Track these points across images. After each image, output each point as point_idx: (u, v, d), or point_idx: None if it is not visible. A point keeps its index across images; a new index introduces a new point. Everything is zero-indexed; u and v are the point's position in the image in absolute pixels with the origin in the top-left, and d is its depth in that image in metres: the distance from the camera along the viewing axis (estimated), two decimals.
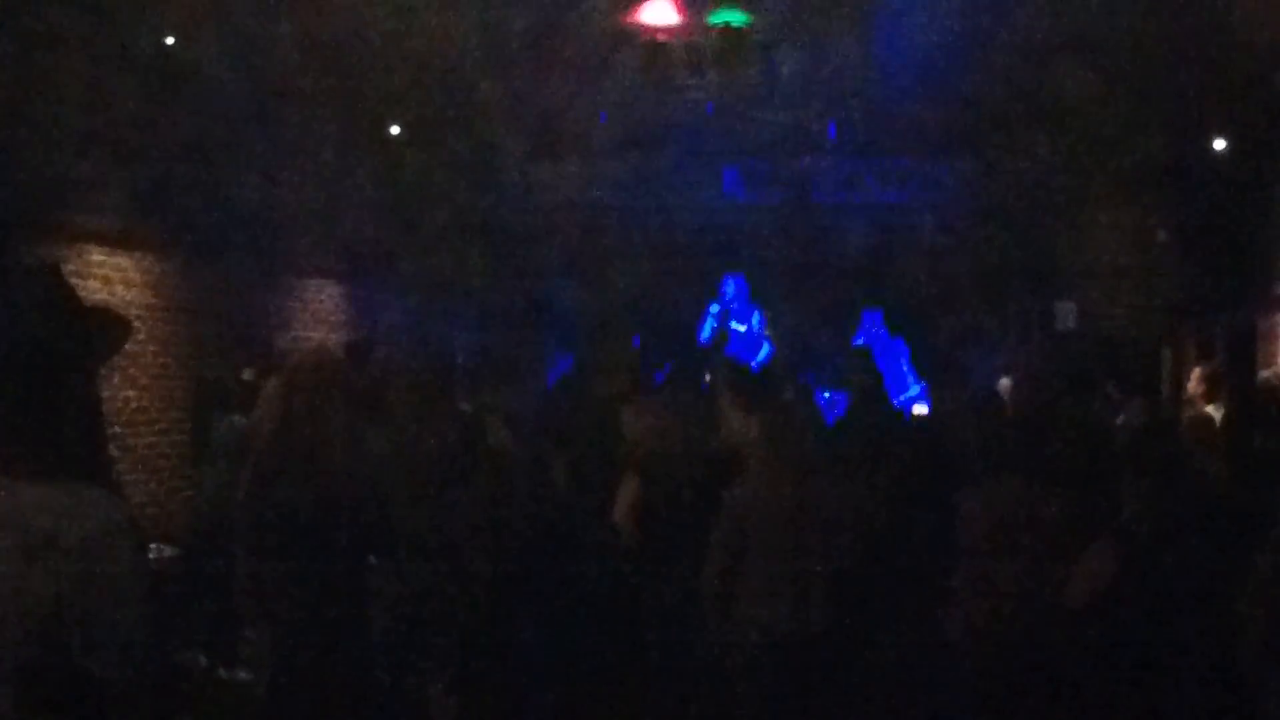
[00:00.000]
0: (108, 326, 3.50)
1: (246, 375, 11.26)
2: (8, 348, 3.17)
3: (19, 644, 2.98)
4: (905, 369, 17.11)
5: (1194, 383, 10.20)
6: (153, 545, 10.45)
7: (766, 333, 17.79)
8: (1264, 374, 11.33)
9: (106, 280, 11.99)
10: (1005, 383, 11.36)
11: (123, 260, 12.24)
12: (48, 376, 3.17)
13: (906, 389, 16.23)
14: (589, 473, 8.01)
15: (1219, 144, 13.58)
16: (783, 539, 6.96)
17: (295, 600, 5.71)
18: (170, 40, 11.32)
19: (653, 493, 7.77)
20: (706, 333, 17.76)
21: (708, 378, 12.61)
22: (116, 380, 11.91)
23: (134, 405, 12.34)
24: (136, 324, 12.29)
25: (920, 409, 15.17)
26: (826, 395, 14.14)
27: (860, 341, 17.67)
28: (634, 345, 18.12)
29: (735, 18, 12.77)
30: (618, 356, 9.18)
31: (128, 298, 12.24)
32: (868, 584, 7.17)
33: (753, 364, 14.82)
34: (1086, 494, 6.74)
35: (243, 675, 8.56)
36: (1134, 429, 8.36)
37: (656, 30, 13.14)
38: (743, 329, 17.86)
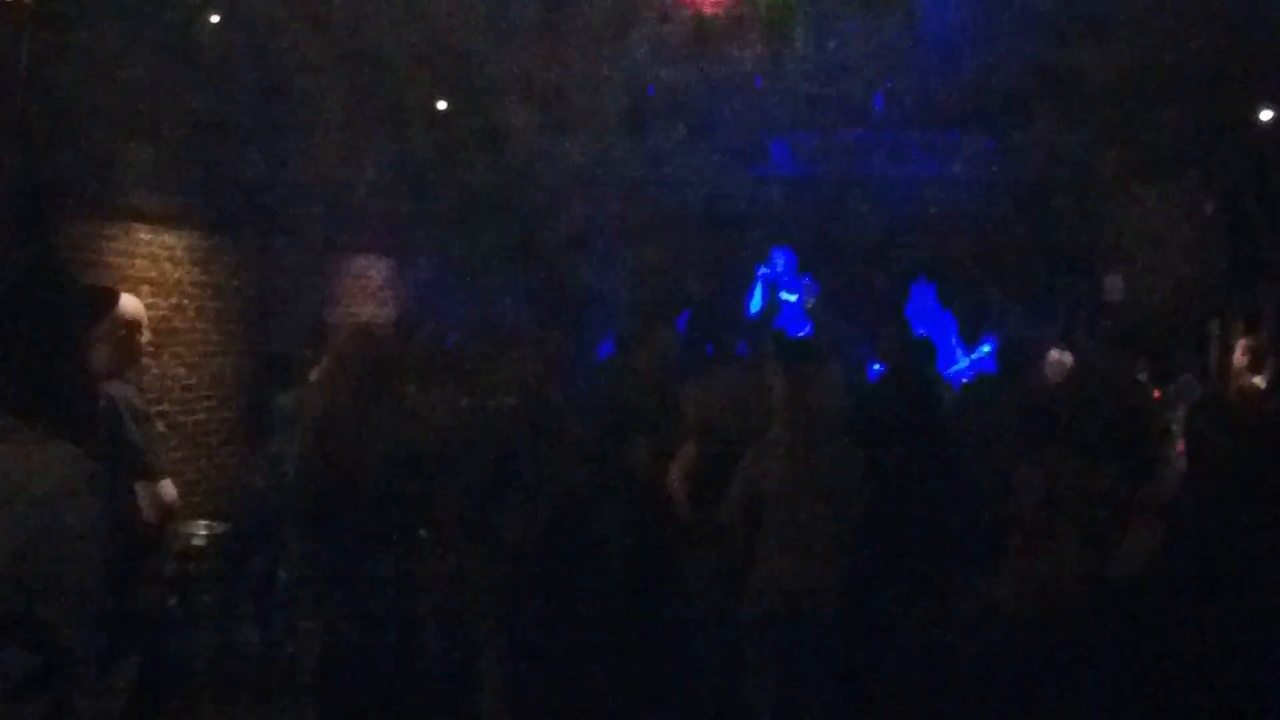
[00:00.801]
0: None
1: (307, 352, 11.32)
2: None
3: None
4: (955, 342, 17.06)
5: (1239, 354, 10.17)
6: (204, 522, 10.54)
7: (809, 307, 17.79)
8: None
9: (154, 259, 12.07)
10: (1055, 355, 11.29)
11: (169, 238, 12.32)
12: (21, 342, 3.27)
13: (955, 362, 16.17)
14: (650, 449, 8.05)
15: (1266, 114, 13.46)
16: (795, 501, 7.02)
17: (346, 577, 5.75)
18: (215, 19, 11.36)
19: (708, 465, 7.78)
20: (756, 305, 17.76)
21: (748, 347, 12.64)
22: (165, 358, 11.99)
23: (183, 383, 12.42)
24: (185, 301, 12.39)
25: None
26: (877, 368, 14.11)
27: (911, 322, 17.70)
28: (679, 321, 18.16)
29: None
30: (658, 333, 9.15)
31: (175, 276, 12.32)
32: (889, 549, 7.22)
33: (800, 336, 14.82)
34: (1136, 467, 6.71)
35: (294, 650, 8.63)
36: (1191, 402, 8.30)
37: (704, 3, 13.11)
38: (793, 298, 17.87)
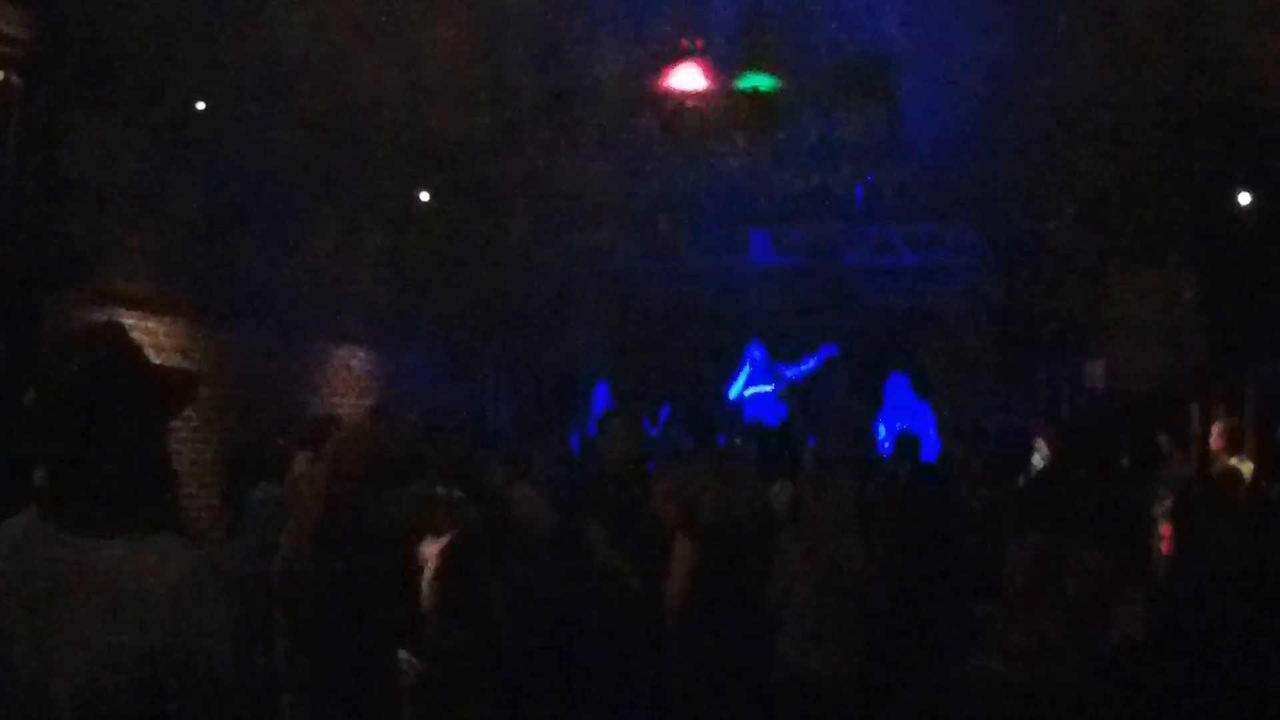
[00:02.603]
0: (174, 383, 3.55)
1: (281, 442, 11.25)
2: (80, 407, 3.18)
3: (115, 700, 3.02)
4: (932, 433, 17.14)
5: (1215, 437, 10.27)
6: None
7: (781, 396, 17.93)
8: None
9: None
10: (1040, 444, 11.37)
11: (152, 324, 12.31)
12: (120, 434, 3.19)
13: (935, 453, 16.23)
14: (625, 540, 8.02)
15: (1244, 198, 13.56)
16: (818, 595, 7.17)
17: (328, 676, 5.62)
18: (201, 106, 11.41)
19: (710, 557, 7.78)
20: (734, 394, 17.91)
21: (721, 438, 12.71)
22: None
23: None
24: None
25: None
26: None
27: (888, 412, 17.82)
28: (661, 412, 18.23)
29: (763, 83, 12.79)
30: (622, 422, 9.16)
31: (158, 362, 12.30)
32: (898, 632, 7.34)
33: (771, 425, 14.92)
34: (1122, 549, 6.74)
35: None
36: (1178, 483, 8.35)
37: (684, 95, 13.18)
38: (768, 388, 18.01)
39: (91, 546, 3.08)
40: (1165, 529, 7.41)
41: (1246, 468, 9.10)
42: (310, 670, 5.57)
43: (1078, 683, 5.59)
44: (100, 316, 11.42)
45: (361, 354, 16.73)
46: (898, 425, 17.42)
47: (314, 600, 5.54)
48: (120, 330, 3.45)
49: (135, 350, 3.37)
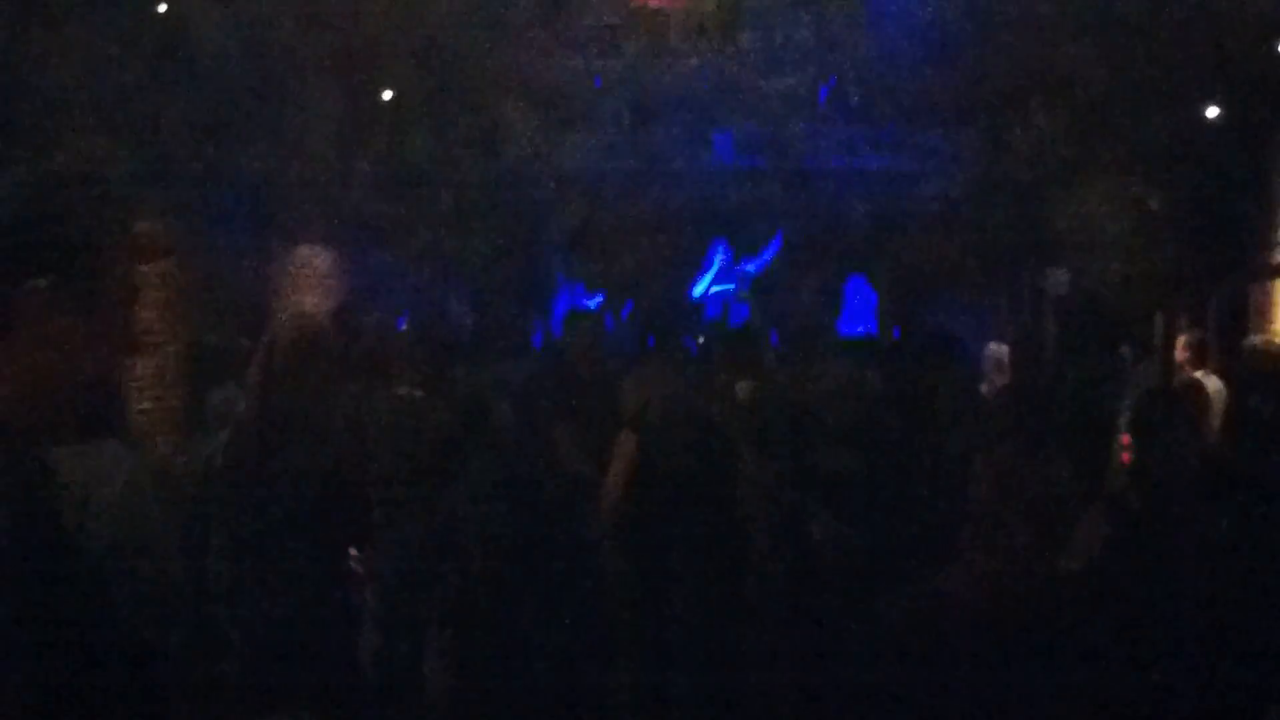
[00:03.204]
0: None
1: (244, 343, 11.17)
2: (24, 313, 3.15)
3: (69, 606, 3.01)
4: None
5: (1180, 349, 10.31)
6: None
7: (743, 296, 17.98)
8: (1251, 340, 11.39)
9: None
10: (994, 347, 11.35)
11: None
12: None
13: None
14: (592, 445, 7.99)
15: (1212, 112, 13.58)
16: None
17: (272, 583, 5.47)
18: (162, 8, 11.27)
19: (651, 457, 7.75)
20: (698, 293, 17.92)
21: (699, 340, 12.69)
22: None
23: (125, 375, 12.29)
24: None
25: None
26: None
27: (848, 313, 17.93)
28: (623, 312, 18.26)
29: None
30: (583, 322, 9.18)
31: None
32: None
33: (736, 325, 14.97)
34: (1086, 458, 6.79)
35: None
36: (1142, 393, 8.38)
37: None
38: (730, 288, 18.05)
39: (42, 455, 3.07)
40: (1124, 439, 7.44)
41: (1212, 383, 9.12)
42: (254, 571, 5.46)
43: (1041, 602, 5.68)
44: None
45: (325, 254, 16.62)
46: (857, 327, 17.53)
47: (254, 497, 5.44)
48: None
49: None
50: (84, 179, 2.35)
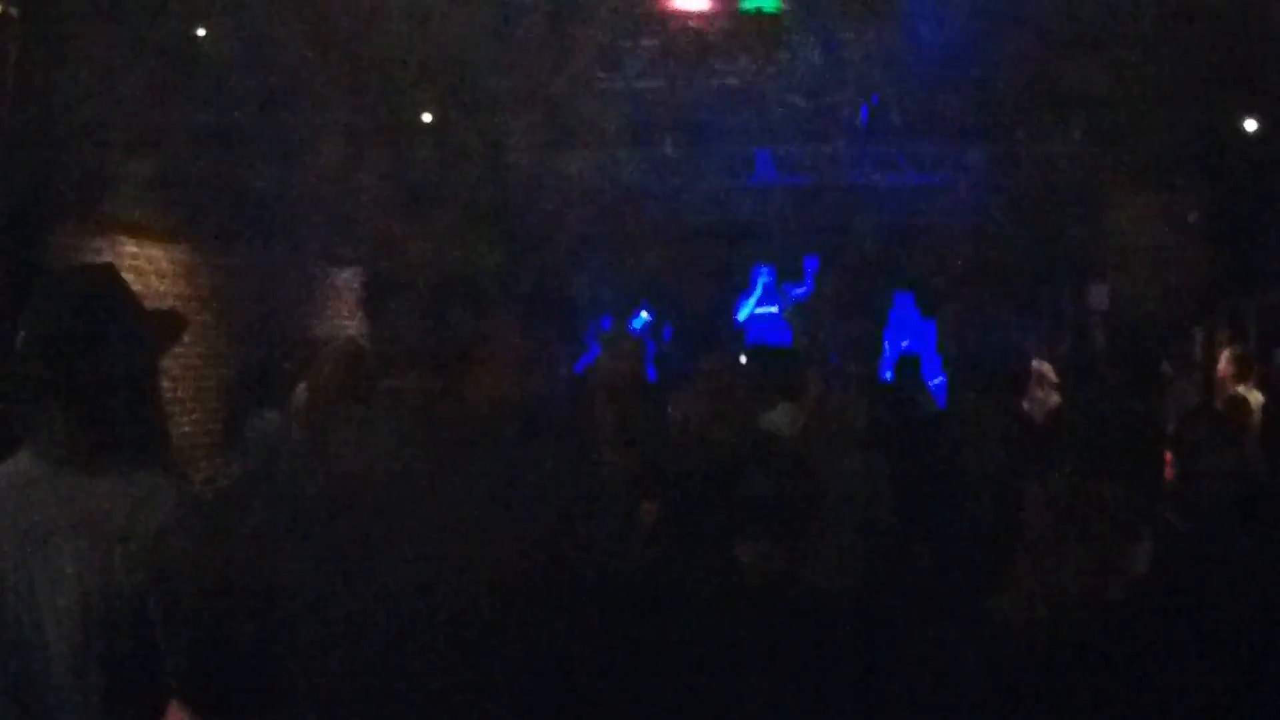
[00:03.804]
0: (164, 321, 3.56)
1: (285, 366, 11.18)
2: (71, 348, 3.20)
3: (108, 639, 3.03)
4: (933, 352, 17.14)
5: (1223, 364, 10.19)
6: None
7: (788, 318, 17.90)
8: None
9: (140, 272, 12.02)
10: (1037, 364, 11.28)
11: (155, 251, 12.27)
12: (110, 374, 3.21)
13: (936, 372, 16.22)
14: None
15: (1250, 124, 13.48)
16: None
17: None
18: (201, 32, 11.31)
19: (691, 478, 7.72)
20: (743, 316, 17.86)
21: (743, 360, 12.65)
22: None
23: (168, 397, 12.34)
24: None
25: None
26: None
27: (893, 331, 17.79)
28: (665, 332, 18.25)
29: (768, 4, 12.69)
30: (624, 344, 9.15)
31: (161, 289, 12.27)
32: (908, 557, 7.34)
33: (780, 346, 14.87)
34: (1137, 481, 6.70)
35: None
36: (1185, 411, 8.29)
37: (688, 15, 13.08)
38: (774, 309, 17.97)
39: (83, 485, 3.10)
40: (1167, 457, 7.36)
41: (1254, 397, 9.02)
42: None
43: (1097, 626, 5.60)
44: (101, 244, 11.39)
45: (366, 276, 16.68)
46: (902, 344, 17.42)
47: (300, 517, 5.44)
48: (111, 271, 3.46)
49: (125, 291, 3.39)
50: None
